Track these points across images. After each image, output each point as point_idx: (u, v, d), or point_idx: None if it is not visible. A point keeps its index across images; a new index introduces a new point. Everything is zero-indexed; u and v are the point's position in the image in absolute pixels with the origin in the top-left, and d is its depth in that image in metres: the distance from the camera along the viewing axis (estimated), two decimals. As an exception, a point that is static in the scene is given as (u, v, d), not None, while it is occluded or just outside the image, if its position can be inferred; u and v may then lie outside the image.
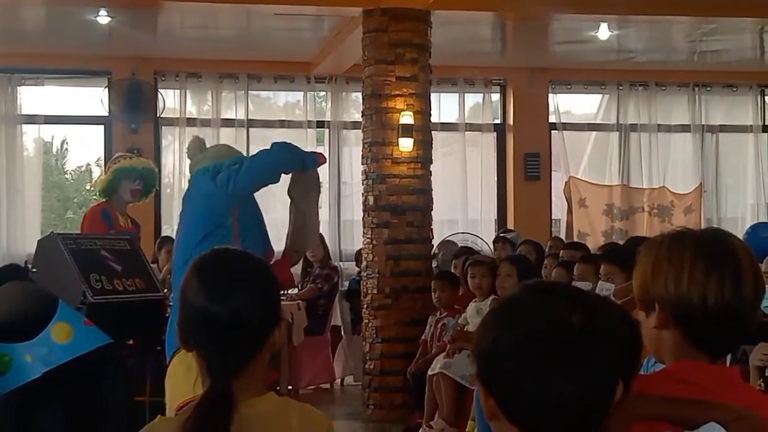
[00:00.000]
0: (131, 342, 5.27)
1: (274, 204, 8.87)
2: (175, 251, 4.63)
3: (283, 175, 4.86)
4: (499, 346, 1.54)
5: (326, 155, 11.16)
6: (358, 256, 10.10)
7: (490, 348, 1.56)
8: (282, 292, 9.40)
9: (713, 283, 1.96)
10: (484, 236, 11.10)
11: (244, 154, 5.05)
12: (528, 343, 1.52)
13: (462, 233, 10.55)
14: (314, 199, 5.00)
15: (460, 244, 9.67)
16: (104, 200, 6.92)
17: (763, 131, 12.36)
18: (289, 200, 4.98)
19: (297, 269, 10.26)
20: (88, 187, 13.46)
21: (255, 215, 4.75)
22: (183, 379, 4.04)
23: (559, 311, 1.54)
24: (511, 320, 1.57)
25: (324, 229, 10.90)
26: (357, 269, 10.16)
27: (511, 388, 1.53)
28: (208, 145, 4.94)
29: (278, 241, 4.93)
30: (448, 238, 10.04)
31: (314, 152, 5.06)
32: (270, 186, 4.79)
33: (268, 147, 4.86)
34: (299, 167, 4.81)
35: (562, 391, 1.50)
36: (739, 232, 11.87)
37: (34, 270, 4.70)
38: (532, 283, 1.68)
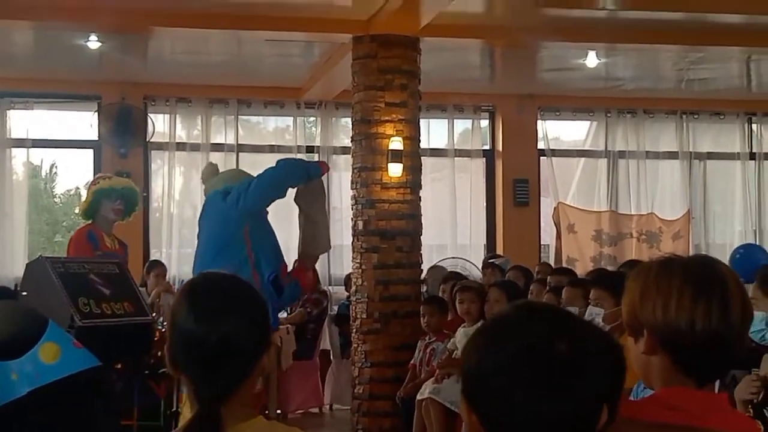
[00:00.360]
0: (119, 366, 5.25)
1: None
2: (193, 271, 4.87)
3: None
4: (485, 363, 1.55)
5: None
6: (347, 281, 10.09)
7: (476, 364, 1.56)
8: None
9: (701, 309, 1.97)
10: (473, 261, 11.12)
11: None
12: (513, 362, 1.52)
13: (452, 258, 10.55)
14: (321, 205, 5.27)
15: (449, 269, 9.67)
16: (89, 222, 6.91)
17: (750, 158, 12.43)
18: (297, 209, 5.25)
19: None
20: (77, 211, 13.42)
21: (267, 231, 5.00)
22: None
23: (545, 333, 1.54)
24: (499, 338, 1.57)
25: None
26: (346, 294, 10.15)
27: (494, 406, 1.53)
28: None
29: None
30: (438, 263, 10.04)
31: (317, 162, 5.30)
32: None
33: (273, 165, 5.11)
34: (305, 179, 5.01)
35: (545, 412, 1.50)
36: (727, 259, 11.95)
37: (24, 293, 4.68)
38: (520, 302, 1.68)
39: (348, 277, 10.08)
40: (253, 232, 4.84)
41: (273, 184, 4.98)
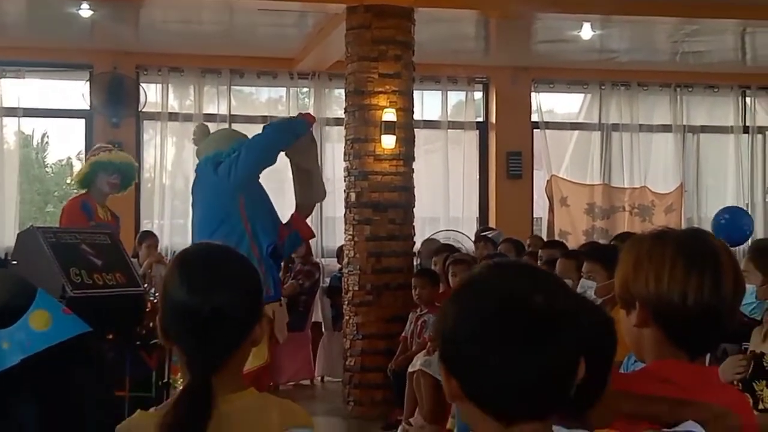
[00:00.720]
0: (111, 337, 5.24)
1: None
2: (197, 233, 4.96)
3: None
4: (461, 326, 1.53)
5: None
6: (339, 253, 10.09)
7: (452, 328, 1.54)
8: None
9: (693, 282, 1.97)
10: (466, 234, 11.12)
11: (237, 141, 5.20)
12: (488, 324, 1.50)
13: (446, 230, 10.55)
14: (314, 156, 5.32)
15: (443, 242, 9.67)
16: (83, 192, 6.89)
17: (744, 132, 12.44)
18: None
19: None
20: (68, 181, 13.38)
21: (261, 199, 5.00)
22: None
23: (520, 290, 1.53)
24: (473, 300, 1.55)
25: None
26: (338, 266, 10.15)
27: (472, 369, 1.51)
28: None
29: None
30: (431, 236, 10.03)
31: (303, 116, 5.28)
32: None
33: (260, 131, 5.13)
34: (293, 141, 5.02)
35: (523, 371, 1.49)
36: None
37: (14, 262, 4.67)
38: (494, 261, 1.66)
39: (340, 249, 10.08)
40: (248, 203, 4.84)
41: (262, 152, 4.98)
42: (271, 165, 5.14)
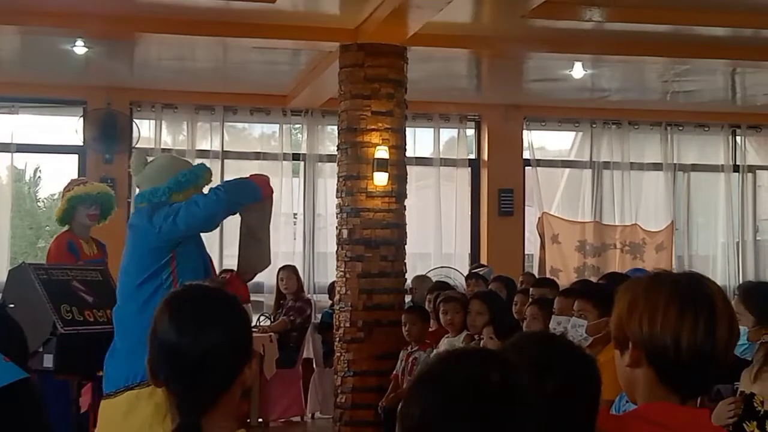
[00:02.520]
0: (101, 373, 5.22)
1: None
2: (118, 288, 4.54)
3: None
4: (424, 418, 1.57)
5: (302, 187, 11.39)
6: (331, 289, 10.08)
7: (417, 423, 1.58)
8: (252, 326, 9.42)
9: (687, 325, 1.98)
10: (458, 270, 11.12)
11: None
12: (450, 409, 1.56)
13: (439, 267, 10.54)
14: (267, 224, 4.80)
15: (435, 279, 9.67)
16: (66, 230, 6.89)
17: (734, 171, 12.49)
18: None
19: (270, 301, 10.27)
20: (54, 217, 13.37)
21: (197, 254, 4.55)
22: (142, 417, 4.03)
23: (477, 369, 1.60)
24: (430, 389, 1.60)
25: (297, 261, 10.90)
26: (330, 302, 10.13)
27: None
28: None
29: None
30: (425, 274, 10.03)
31: (258, 181, 4.66)
32: None
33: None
34: (243, 206, 4.58)
35: None
36: (710, 270, 12.02)
37: (11, 306, 4.64)
38: (444, 352, 1.73)
39: (332, 286, 10.08)
40: (180, 259, 4.38)
41: (203, 220, 4.40)
42: (211, 231, 4.71)
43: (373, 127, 8.22)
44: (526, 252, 12.10)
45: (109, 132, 10.68)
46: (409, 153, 8.83)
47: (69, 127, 11.02)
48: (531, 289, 7.28)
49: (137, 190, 4.68)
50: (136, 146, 11.05)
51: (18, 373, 2.53)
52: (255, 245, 4.72)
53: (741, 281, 11.43)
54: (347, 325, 8.18)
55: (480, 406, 1.54)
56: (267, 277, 9.93)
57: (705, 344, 1.97)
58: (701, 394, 2.20)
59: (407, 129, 8.64)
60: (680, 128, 12.30)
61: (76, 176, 11.14)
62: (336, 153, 8.60)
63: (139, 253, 4.38)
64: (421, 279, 9.65)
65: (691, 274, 2.16)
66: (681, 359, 1.97)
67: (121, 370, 4.23)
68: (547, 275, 11.09)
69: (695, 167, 12.44)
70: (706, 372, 2.03)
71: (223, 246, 10.83)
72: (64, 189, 7.20)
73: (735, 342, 2.10)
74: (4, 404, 2.42)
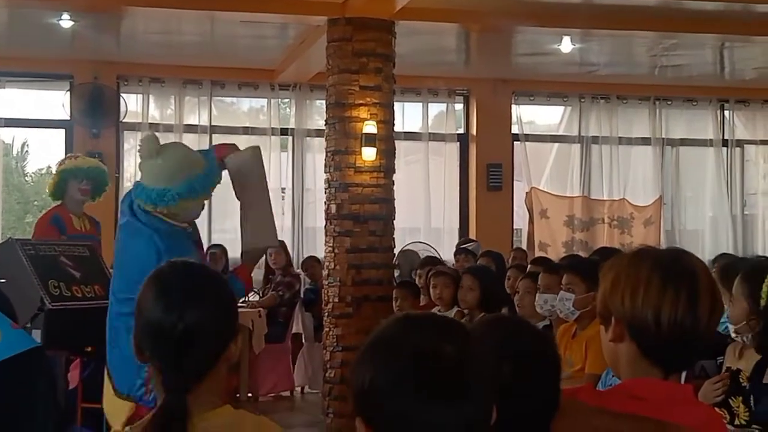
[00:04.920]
0: (89, 349, 5.23)
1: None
2: (111, 297, 4.31)
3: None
4: (375, 381, 1.54)
5: (290, 162, 11.38)
6: (305, 266, 10.15)
7: (367, 387, 1.55)
8: (243, 299, 9.40)
9: (668, 300, 1.98)
10: (446, 245, 11.15)
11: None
12: (402, 377, 1.51)
13: (421, 242, 10.53)
14: (262, 199, 4.49)
15: (420, 254, 9.69)
16: (57, 204, 6.86)
17: (723, 145, 12.52)
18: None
19: (258, 275, 10.26)
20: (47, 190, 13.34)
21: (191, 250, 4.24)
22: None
23: (430, 342, 1.55)
24: (386, 354, 1.56)
25: (286, 236, 10.90)
26: (308, 279, 10.16)
27: (391, 422, 1.53)
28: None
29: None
30: (408, 248, 10.04)
31: (213, 151, 4.40)
32: None
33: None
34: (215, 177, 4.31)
35: (439, 422, 1.50)
36: (699, 245, 12.07)
37: (2, 281, 4.61)
38: (404, 314, 1.67)
39: (305, 261, 10.15)
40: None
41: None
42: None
43: (361, 101, 8.20)
44: (514, 227, 12.13)
45: (96, 106, 10.64)
46: (397, 128, 8.82)
47: (56, 102, 10.97)
48: (529, 266, 7.29)
49: (139, 177, 4.32)
50: (123, 120, 11.01)
51: (30, 341, 2.52)
52: (257, 219, 4.47)
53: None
54: (336, 300, 8.19)
55: (431, 378, 1.50)
56: (256, 252, 9.92)
57: (686, 319, 1.98)
58: (684, 368, 2.21)
59: (396, 103, 8.62)
60: (669, 103, 12.31)
61: (63, 151, 11.13)
62: (324, 128, 8.58)
63: (134, 267, 4.00)
64: (404, 253, 9.66)
65: (674, 249, 2.16)
66: (662, 333, 1.98)
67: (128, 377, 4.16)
68: (536, 250, 11.15)
69: (683, 141, 12.47)
70: (687, 346, 2.03)
71: (211, 220, 10.83)
72: (57, 164, 7.18)
73: (719, 317, 2.11)
74: (17, 372, 2.41)
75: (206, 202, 4.37)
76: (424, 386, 1.50)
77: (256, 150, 4.54)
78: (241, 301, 9.58)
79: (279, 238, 10.20)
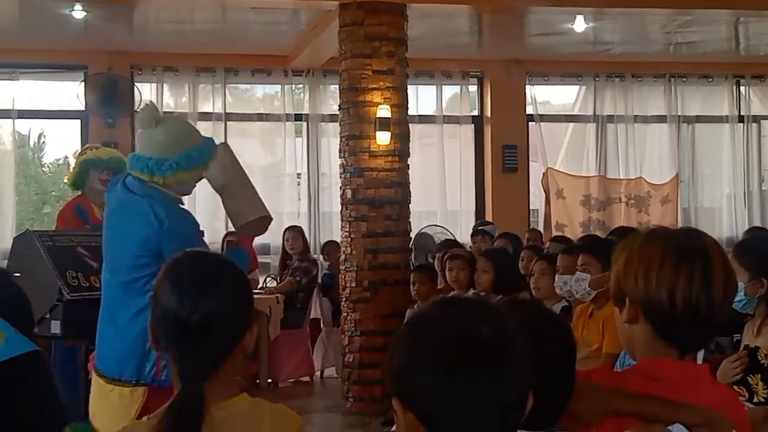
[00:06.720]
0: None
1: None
2: (106, 280, 4.17)
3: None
4: (412, 362, 1.56)
5: (305, 147, 11.37)
6: (324, 249, 10.18)
7: (404, 365, 1.57)
8: (259, 287, 9.40)
9: (682, 280, 1.98)
10: (462, 227, 11.13)
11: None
12: (438, 358, 1.53)
13: (435, 225, 10.52)
14: (235, 174, 4.43)
15: (435, 237, 9.69)
16: (78, 194, 6.89)
17: (739, 121, 12.44)
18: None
19: (276, 262, 10.30)
20: (66, 181, 13.39)
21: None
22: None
23: (467, 323, 1.56)
24: (421, 335, 1.58)
25: (303, 222, 10.93)
26: (327, 263, 10.18)
27: (427, 403, 1.54)
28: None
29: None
30: (423, 230, 10.03)
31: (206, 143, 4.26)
32: None
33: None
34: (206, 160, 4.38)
35: (474, 402, 1.51)
36: (716, 222, 12.02)
37: (17, 274, 4.62)
38: (438, 298, 1.70)
39: (325, 246, 10.16)
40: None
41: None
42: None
43: (374, 86, 8.19)
44: (531, 207, 12.12)
45: (110, 96, 10.66)
46: (411, 111, 8.81)
47: (70, 93, 11.00)
48: (548, 243, 7.26)
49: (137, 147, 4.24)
50: (138, 110, 11.03)
51: (27, 345, 2.56)
52: (234, 200, 4.41)
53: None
54: (353, 285, 8.21)
55: (467, 360, 1.52)
56: (272, 238, 9.96)
57: (700, 298, 1.98)
58: (699, 347, 2.21)
59: (409, 87, 8.61)
60: (684, 80, 12.23)
61: (79, 141, 11.17)
62: (338, 113, 8.58)
63: (134, 243, 3.96)
64: (419, 236, 9.65)
65: (687, 229, 2.17)
66: (676, 313, 1.98)
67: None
68: (553, 230, 11.13)
69: (699, 119, 12.39)
70: (702, 325, 2.03)
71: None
72: (78, 153, 7.20)
73: (732, 295, 2.10)
74: (14, 375, 2.46)
75: (198, 182, 4.27)
76: (460, 367, 1.51)
77: (222, 144, 4.52)
78: (259, 287, 9.63)
79: (296, 224, 10.35)
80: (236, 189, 4.41)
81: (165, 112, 11.03)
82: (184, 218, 4.10)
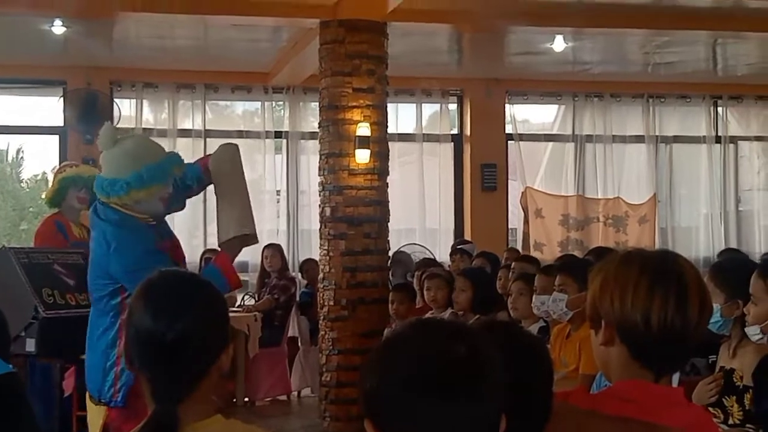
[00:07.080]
0: (84, 357, 5.22)
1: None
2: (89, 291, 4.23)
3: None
4: (386, 382, 1.54)
5: (284, 164, 11.36)
6: (303, 268, 10.15)
7: (377, 385, 1.55)
8: (237, 305, 9.37)
9: (656, 302, 1.99)
10: (441, 246, 11.15)
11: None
12: (412, 378, 1.51)
13: (414, 244, 10.51)
14: (238, 188, 4.39)
15: (413, 256, 9.69)
16: (55, 212, 6.85)
17: (716, 142, 12.52)
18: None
19: (254, 279, 10.26)
20: (43, 197, 13.33)
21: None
22: None
23: (442, 343, 1.55)
24: (394, 357, 1.57)
25: (281, 239, 10.90)
26: (305, 281, 10.16)
27: (400, 423, 1.53)
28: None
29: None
30: (402, 249, 10.02)
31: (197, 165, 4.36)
32: None
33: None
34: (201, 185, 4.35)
35: (452, 423, 1.50)
36: (693, 242, 12.07)
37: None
38: (413, 319, 1.68)
39: (303, 264, 10.14)
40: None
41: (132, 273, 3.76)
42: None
43: (354, 104, 8.20)
44: (509, 226, 12.14)
45: (89, 112, 10.60)
46: (391, 129, 8.82)
47: (49, 108, 10.95)
48: (513, 263, 7.29)
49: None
50: (117, 126, 10.98)
51: (3, 367, 2.55)
52: (227, 210, 4.36)
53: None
54: (331, 303, 8.19)
55: (442, 380, 1.50)
56: (251, 255, 9.94)
57: (675, 320, 1.98)
58: (675, 370, 2.21)
59: (389, 105, 8.62)
60: (662, 100, 12.31)
61: (57, 157, 11.12)
62: (318, 130, 8.58)
63: (95, 265, 4.07)
64: (397, 255, 9.64)
65: (662, 251, 2.18)
66: (652, 335, 1.98)
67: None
68: (531, 249, 11.16)
69: (677, 139, 12.47)
70: (677, 348, 2.04)
71: (207, 223, 10.79)
72: (56, 171, 7.16)
73: (708, 318, 2.11)
74: None
75: (172, 197, 4.21)
76: (433, 387, 1.50)
77: (231, 146, 4.55)
78: (236, 305, 9.59)
79: (275, 241, 10.32)
80: (233, 200, 4.36)
81: (144, 128, 11.02)
82: (134, 240, 4.02)
